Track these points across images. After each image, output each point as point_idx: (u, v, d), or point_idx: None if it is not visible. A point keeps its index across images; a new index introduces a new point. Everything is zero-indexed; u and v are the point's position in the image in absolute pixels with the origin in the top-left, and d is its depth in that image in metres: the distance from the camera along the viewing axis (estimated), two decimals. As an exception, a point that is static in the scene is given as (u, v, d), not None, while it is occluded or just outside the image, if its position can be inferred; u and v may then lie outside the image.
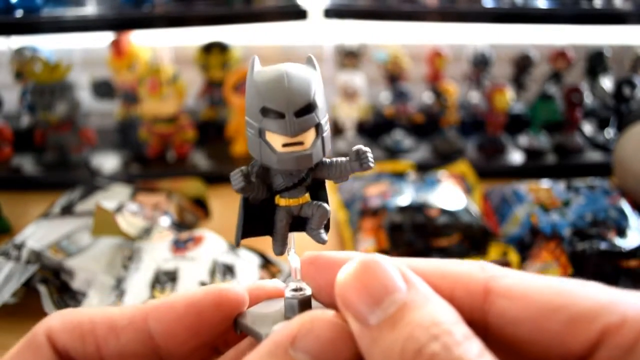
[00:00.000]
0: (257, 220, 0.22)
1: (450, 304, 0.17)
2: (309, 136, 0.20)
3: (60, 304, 0.45)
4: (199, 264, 0.47)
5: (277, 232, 0.22)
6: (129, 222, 0.51)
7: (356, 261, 0.18)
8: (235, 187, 0.20)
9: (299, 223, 0.22)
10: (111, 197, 0.58)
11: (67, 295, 0.46)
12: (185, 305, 0.20)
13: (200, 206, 0.63)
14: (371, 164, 0.21)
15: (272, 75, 0.20)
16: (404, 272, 0.18)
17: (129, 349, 0.20)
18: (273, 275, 0.49)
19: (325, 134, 0.20)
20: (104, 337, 0.20)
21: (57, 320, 0.20)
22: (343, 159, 0.21)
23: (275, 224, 0.22)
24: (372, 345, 0.17)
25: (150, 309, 0.20)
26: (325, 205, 0.21)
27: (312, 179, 0.21)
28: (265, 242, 0.22)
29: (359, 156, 0.21)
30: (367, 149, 0.21)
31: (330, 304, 0.20)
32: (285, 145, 0.19)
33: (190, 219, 0.60)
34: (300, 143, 0.19)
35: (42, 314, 0.44)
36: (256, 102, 0.19)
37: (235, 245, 0.22)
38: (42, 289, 0.45)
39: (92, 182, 0.62)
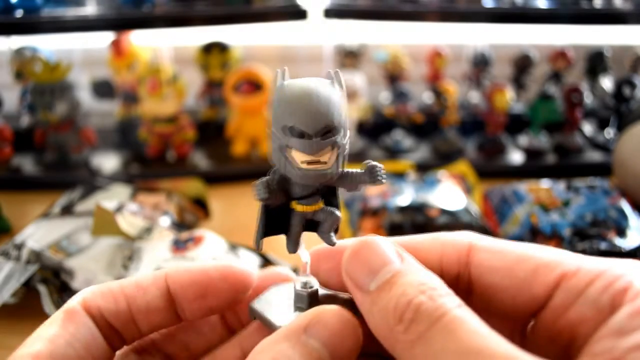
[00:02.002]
0: (273, 221, 0.23)
1: (440, 264, 0.22)
2: (329, 154, 0.20)
3: (60, 304, 0.45)
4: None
5: (292, 234, 0.23)
6: (129, 222, 0.51)
7: (358, 241, 0.21)
8: (259, 197, 0.21)
9: (311, 225, 0.23)
10: (111, 197, 0.58)
11: (67, 295, 0.46)
12: (198, 271, 0.24)
13: (200, 206, 0.63)
14: (383, 180, 0.22)
15: (301, 93, 0.20)
16: (397, 248, 0.21)
17: (153, 304, 0.23)
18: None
19: (344, 152, 0.21)
20: (132, 294, 0.23)
21: (89, 290, 0.23)
22: (357, 170, 0.22)
23: (290, 226, 0.23)
24: (372, 306, 0.20)
25: (170, 270, 0.24)
26: (337, 212, 0.23)
27: (326, 186, 0.23)
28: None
29: (372, 171, 0.22)
30: (380, 165, 0.22)
31: (331, 286, 0.24)
32: (306, 162, 0.20)
33: (190, 219, 0.60)
34: (320, 161, 0.20)
35: (42, 314, 0.44)
36: (283, 118, 0.20)
37: (256, 249, 0.23)
38: (42, 289, 0.45)
39: (92, 182, 0.62)
